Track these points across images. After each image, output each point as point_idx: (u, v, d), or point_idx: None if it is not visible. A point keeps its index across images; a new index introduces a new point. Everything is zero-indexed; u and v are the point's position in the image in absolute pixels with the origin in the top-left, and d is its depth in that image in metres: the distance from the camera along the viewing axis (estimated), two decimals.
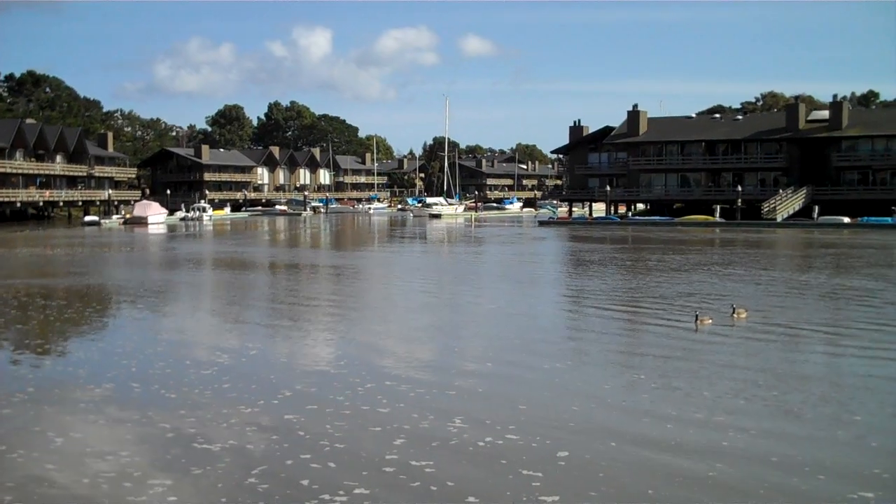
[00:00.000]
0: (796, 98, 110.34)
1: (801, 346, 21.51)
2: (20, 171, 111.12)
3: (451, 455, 12.72)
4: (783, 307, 27.87)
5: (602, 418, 14.71)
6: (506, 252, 57.67)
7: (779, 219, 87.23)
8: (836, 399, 16.02)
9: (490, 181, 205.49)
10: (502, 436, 13.62)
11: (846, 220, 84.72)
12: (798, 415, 14.97)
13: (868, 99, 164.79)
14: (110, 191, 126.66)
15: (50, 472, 12.22)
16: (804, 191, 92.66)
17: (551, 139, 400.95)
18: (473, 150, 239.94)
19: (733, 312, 24.79)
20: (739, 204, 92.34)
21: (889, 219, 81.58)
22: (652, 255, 51.49)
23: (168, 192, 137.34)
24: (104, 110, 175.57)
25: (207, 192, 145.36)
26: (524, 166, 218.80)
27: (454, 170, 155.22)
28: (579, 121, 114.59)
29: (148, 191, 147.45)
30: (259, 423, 14.46)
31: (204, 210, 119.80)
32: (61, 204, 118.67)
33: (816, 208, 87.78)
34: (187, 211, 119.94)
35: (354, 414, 14.99)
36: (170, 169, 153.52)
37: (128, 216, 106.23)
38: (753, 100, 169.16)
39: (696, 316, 24.05)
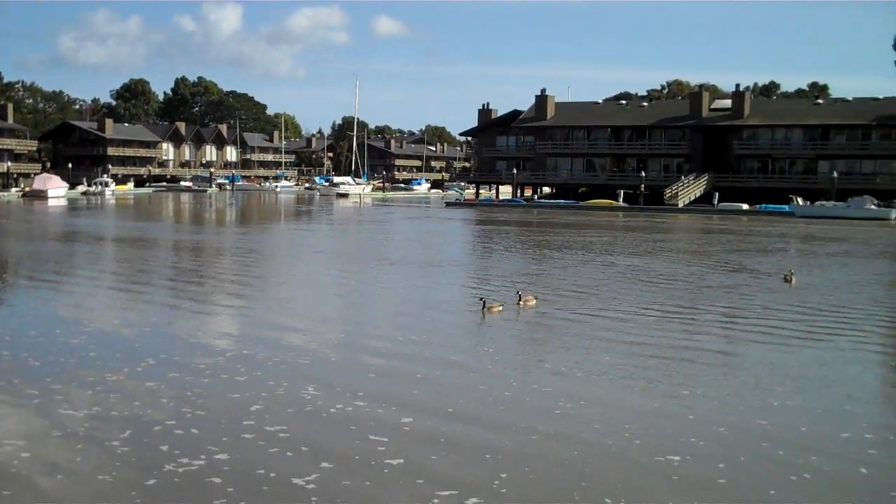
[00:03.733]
0: (700, 87, 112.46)
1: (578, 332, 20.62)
2: None
3: (305, 421, 13.08)
4: (585, 293, 26.81)
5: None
6: (394, 232, 57.94)
7: (680, 205, 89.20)
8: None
9: (399, 162, 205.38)
10: (352, 403, 14.05)
11: (745, 206, 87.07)
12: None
13: (769, 89, 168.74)
14: (9, 163, 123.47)
15: None
16: (706, 178, 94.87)
17: (461, 122, 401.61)
18: (383, 131, 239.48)
19: (520, 300, 23.68)
20: (642, 189, 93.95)
21: (786, 206, 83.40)
22: (535, 236, 52.51)
23: (70, 166, 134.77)
24: (4, 81, 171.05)
25: (111, 166, 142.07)
26: (433, 148, 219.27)
27: (363, 150, 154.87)
28: (488, 104, 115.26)
29: (49, 164, 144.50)
30: (123, 389, 14.61)
31: (106, 185, 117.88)
32: None
33: (717, 195, 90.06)
34: (89, 185, 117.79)
35: (214, 381, 15.28)
36: (72, 143, 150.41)
37: (27, 189, 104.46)
38: (659, 88, 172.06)
39: (484, 303, 22.82)
